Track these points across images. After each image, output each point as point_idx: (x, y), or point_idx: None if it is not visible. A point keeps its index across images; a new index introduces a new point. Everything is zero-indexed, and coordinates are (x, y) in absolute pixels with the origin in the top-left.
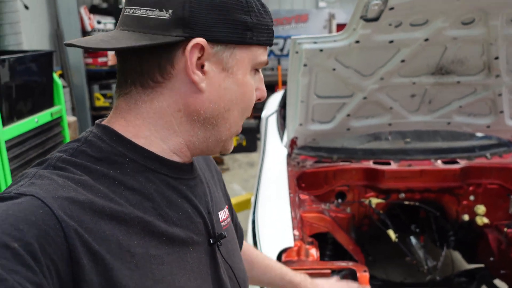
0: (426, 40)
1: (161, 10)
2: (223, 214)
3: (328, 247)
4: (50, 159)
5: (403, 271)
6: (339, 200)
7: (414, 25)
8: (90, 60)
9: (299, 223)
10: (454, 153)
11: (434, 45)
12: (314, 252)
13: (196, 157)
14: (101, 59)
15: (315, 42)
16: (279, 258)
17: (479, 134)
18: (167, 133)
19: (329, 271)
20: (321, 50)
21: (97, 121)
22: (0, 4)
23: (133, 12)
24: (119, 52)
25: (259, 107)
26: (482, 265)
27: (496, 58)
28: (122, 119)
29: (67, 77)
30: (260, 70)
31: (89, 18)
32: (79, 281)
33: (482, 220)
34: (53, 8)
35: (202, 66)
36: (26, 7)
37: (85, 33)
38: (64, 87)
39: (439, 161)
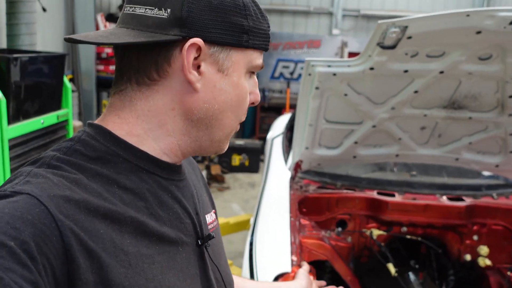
0: (441, 72)
1: (160, 9)
2: (210, 217)
3: (326, 276)
4: (44, 157)
5: None
6: (339, 229)
7: (431, 56)
8: (101, 67)
9: (298, 248)
10: (460, 190)
11: (448, 78)
12: None
13: (183, 161)
14: (112, 67)
15: (329, 66)
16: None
17: (486, 173)
18: (160, 132)
19: None
20: (334, 74)
21: (89, 121)
22: (18, 4)
23: (132, 11)
24: (117, 48)
25: (264, 128)
26: None
27: (511, 96)
28: (116, 116)
29: (77, 81)
30: (255, 74)
31: (105, 26)
32: (74, 279)
33: (484, 262)
34: (70, 13)
35: (199, 67)
36: (44, 9)
37: None
38: (73, 91)
39: (444, 197)
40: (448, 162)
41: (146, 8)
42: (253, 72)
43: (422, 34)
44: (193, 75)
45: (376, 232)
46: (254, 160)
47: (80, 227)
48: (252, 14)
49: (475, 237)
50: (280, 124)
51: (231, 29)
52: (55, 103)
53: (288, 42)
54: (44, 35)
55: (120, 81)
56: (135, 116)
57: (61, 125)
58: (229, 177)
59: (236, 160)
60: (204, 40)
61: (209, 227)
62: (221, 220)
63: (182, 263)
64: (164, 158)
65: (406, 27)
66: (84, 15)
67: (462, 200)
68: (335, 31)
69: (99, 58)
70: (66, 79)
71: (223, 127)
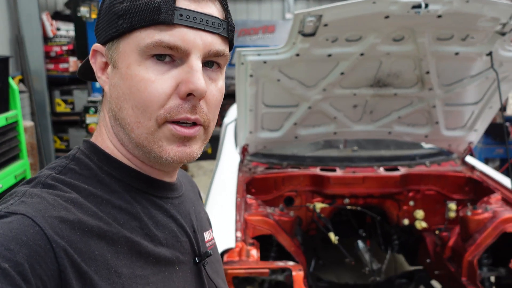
0: (362, 54)
1: None
2: (208, 235)
3: (273, 249)
4: (40, 177)
5: (352, 274)
6: (282, 205)
7: (350, 40)
8: (51, 66)
9: (243, 225)
10: (396, 161)
11: (370, 60)
12: (254, 252)
13: (182, 177)
14: (62, 65)
15: (259, 54)
16: (221, 258)
17: (424, 144)
18: (118, 144)
19: (267, 270)
20: (264, 62)
21: (84, 138)
22: None
23: None
24: None
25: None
26: (421, 267)
27: (427, 72)
28: (96, 131)
29: (27, 82)
30: (190, 57)
31: (51, 24)
32: None
33: (421, 224)
34: (14, 13)
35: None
36: None
37: (46, 39)
38: (23, 92)
39: (381, 169)
40: (382, 136)
41: None
42: (167, 55)
43: (337, 21)
44: (100, 79)
45: (319, 205)
46: (217, 147)
47: (74, 249)
48: None
49: (411, 203)
50: (234, 110)
51: (111, 21)
52: (3, 105)
53: (243, 29)
54: None
55: None
56: (101, 128)
57: (11, 127)
58: (192, 166)
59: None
60: (102, 43)
61: (207, 244)
62: None
63: (179, 283)
64: (148, 171)
65: (321, 16)
66: (28, 14)
67: (398, 170)
68: (288, 15)
69: (48, 57)
70: (11, 81)
71: (130, 126)
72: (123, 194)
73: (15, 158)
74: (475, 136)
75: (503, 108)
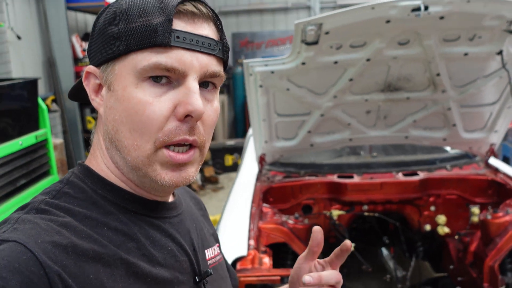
0: (368, 60)
1: None
2: (211, 252)
3: (289, 257)
4: (33, 202)
5: (379, 282)
6: (297, 213)
7: (354, 46)
8: None
9: (256, 233)
10: (416, 166)
11: (377, 64)
12: (267, 260)
13: (182, 194)
14: None
15: (266, 65)
16: (234, 266)
17: (448, 148)
18: (112, 166)
19: (278, 277)
20: (272, 72)
21: (78, 161)
22: None
23: None
24: None
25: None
26: (445, 274)
27: (438, 74)
28: (90, 154)
29: (60, 101)
30: (188, 78)
31: (81, 45)
32: None
33: (443, 230)
34: (46, 37)
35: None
36: (19, 37)
37: (76, 59)
38: (55, 111)
39: (400, 174)
40: (399, 141)
41: None
42: (165, 77)
43: (338, 28)
44: (94, 101)
45: (336, 213)
46: None
47: (68, 273)
48: (126, 17)
49: (432, 208)
50: None
51: (105, 43)
52: (33, 124)
53: (270, 40)
54: (22, 62)
55: None
56: (96, 151)
57: (41, 145)
58: (223, 177)
59: (229, 160)
60: (96, 65)
61: (210, 262)
62: (214, 218)
63: None
64: (143, 193)
65: (321, 24)
66: (59, 37)
67: (417, 174)
68: None
69: (79, 77)
70: (41, 101)
71: (127, 149)
72: (119, 215)
73: (46, 174)
74: (496, 137)
75: None
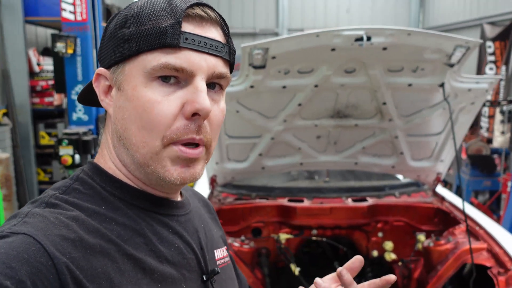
0: (316, 86)
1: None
2: (220, 253)
3: None
4: (43, 197)
5: None
6: (243, 236)
7: (302, 72)
8: (37, 100)
9: None
10: (366, 192)
11: (325, 91)
12: None
13: (191, 196)
14: (47, 99)
15: None
16: None
17: (400, 176)
18: (120, 165)
19: None
20: None
21: (89, 160)
22: None
23: None
24: None
25: None
26: None
27: (384, 103)
28: (98, 153)
29: (12, 115)
30: (195, 78)
31: (38, 59)
32: None
33: (390, 256)
34: (1, 49)
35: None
36: None
37: (32, 73)
38: (5, 125)
39: (349, 199)
40: (349, 167)
41: None
42: (171, 77)
43: (284, 54)
44: (104, 102)
45: (283, 236)
46: None
47: (76, 265)
48: (137, 19)
49: (380, 234)
50: None
51: (116, 46)
52: None
53: (237, 64)
54: None
55: None
56: (104, 149)
57: None
58: None
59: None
60: (106, 67)
61: (218, 262)
62: None
63: None
64: (151, 190)
65: (268, 48)
66: (14, 50)
67: (366, 200)
68: None
69: (34, 91)
70: None
71: (136, 146)
72: (127, 211)
73: None
74: (442, 167)
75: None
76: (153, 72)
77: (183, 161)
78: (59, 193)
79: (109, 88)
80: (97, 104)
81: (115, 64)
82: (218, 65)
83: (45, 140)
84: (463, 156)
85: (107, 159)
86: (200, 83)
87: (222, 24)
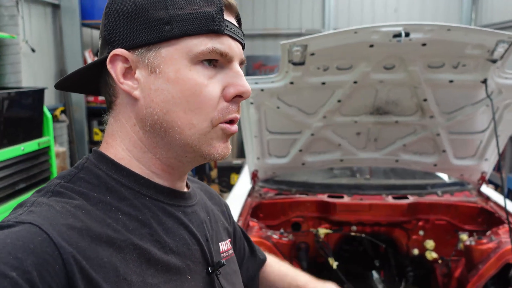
0: (355, 82)
1: (99, 38)
2: (225, 246)
3: None
4: (49, 186)
5: None
6: (282, 229)
7: (341, 68)
8: (91, 98)
9: None
10: (406, 190)
11: (365, 87)
12: None
13: (197, 188)
14: (101, 98)
15: (256, 83)
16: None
17: (444, 175)
18: (138, 151)
19: None
20: (262, 90)
21: (94, 148)
22: (3, 48)
23: None
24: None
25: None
26: None
27: (425, 100)
28: (105, 142)
29: (69, 112)
30: (233, 63)
31: (93, 60)
32: None
33: (431, 255)
34: (60, 50)
35: (135, 75)
36: (33, 50)
37: None
38: (62, 121)
39: (389, 197)
40: (390, 164)
41: (99, 38)
42: (214, 61)
43: (323, 50)
44: (126, 84)
45: (322, 231)
46: None
47: (83, 255)
48: (177, 2)
49: (421, 232)
50: None
51: (149, 26)
52: (36, 132)
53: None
54: (34, 73)
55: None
56: (114, 139)
57: (43, 151)
58: (227, 196)
59: (234, 179)
60: (127, 48)
61: (223, 255)
62: None
63: None
64: (159, 180)
65: (306, 45)
66: (72, 51)
67: (406, 198)
68: None
69: None
70: (46, 110)
71: (181, 128)
72: (133, 201)
73: (46, 179)
74: (487, 166)
75: None
76: (200, 56)
77: (227, 137)
78: (64, 182)
79: (128, 70)
80: (86, 91)
81: (143, 45)
82: (242, 52)
83: (98, 136)
84: None
85: (119, 148)
86: (238, 67)
87: (238, 14)
